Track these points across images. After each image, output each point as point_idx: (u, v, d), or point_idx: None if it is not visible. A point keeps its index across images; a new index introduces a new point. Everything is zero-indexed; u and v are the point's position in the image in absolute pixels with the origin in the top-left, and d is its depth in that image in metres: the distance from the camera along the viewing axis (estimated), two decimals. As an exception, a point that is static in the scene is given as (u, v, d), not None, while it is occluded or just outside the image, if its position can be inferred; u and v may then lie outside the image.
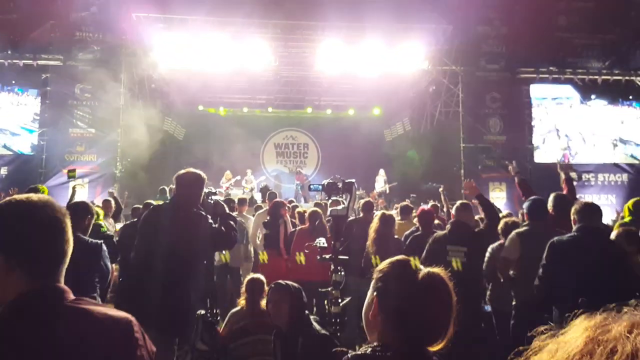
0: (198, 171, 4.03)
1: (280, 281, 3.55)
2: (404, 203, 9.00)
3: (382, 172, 17.14)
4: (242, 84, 18.59)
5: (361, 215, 6.71)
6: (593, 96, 15.88)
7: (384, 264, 1.67)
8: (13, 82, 14.60)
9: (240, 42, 15.29)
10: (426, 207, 6.50)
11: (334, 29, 15.33)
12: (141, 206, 7.75)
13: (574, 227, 3.94)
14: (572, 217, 4.00)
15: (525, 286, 4.12)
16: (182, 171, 3.99)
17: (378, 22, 14.68)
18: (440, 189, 9.01)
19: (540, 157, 15.68)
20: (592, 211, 3.99)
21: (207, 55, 15.23)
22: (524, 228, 4.69)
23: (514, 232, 4.67)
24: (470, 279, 4.55)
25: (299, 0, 14.63)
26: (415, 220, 6.43)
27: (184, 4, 14.00)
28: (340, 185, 4.28)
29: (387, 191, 16.71)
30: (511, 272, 4.60)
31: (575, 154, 15.78)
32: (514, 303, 4.59)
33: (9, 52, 14.36)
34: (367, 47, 15.24)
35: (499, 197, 14.86)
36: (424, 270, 1.59)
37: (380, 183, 16.91)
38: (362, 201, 7.10)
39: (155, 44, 15.16)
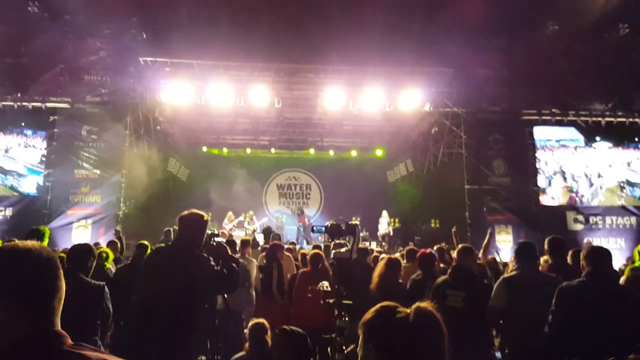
0: (201, 212, 4.00)
1: (285, 327, 3.47)
2: (409, 247, 8.92)
3: (385, 213, 17.05)
4: (246, 126, 18.81)
5: (355, 256, 6.64)
6: (598, 138, 15.91)
7: (369, 315, 1.62)
8: (22, 124, 14.81)
9: (244, 85, 15.56)
10: (428, 250, 6.42)
11: (336, 71, 15.62)
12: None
13: (584, 272, 3.87)
14: (581, 262, 3.94)
15: (519, 334, 4.01)
16: (185, 212, 3.96)
17: (379, 65, 14.95)
18: (453, 230, 8.94)
19: (546, 200, 15.62)
20: (601, 256, 3.92)
21: (212, 98, 15.48)
22: (512, 273, 4.61)
23: (501, 278, 4.58)
24: (471, 325, 4.41)
25: (301, 44, 14.92)
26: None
27: (190, 49, 14.30)
28: (343, 227, 4.23)
29: (391, 233, 16.59)
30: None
31: (582, 196, 15.70)
32: (506, 351, 4.45)
33: (19, 95, 14.62)
34: (369, 89, 15.46)
35: (505, 239, 14.72)
36: (412, 307, 1.56)
37: (384, 225, 16.80)
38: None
39: (161, 87, 15.44)
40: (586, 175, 15.84)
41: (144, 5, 14.33)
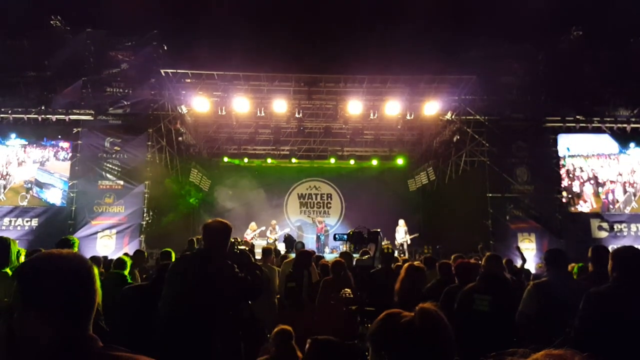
0: (225, 221, 4.02)
1: (320, 337, 3.43)
2: (428, 255, 8.83)
3: (401, 222, 16.84)
4: (266, 136, 18.91)
5: (379, 266, 6.56)
6: (632, 145, 15.64)
7: (374, 325, 1.62)
8: (46, 137, 15.12)
9: (264, 95, 15.68)
10: (471, 260, 6.26)
11: (356, 80, 15.62)
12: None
13: (611, 277, 3.75)
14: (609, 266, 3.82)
15: (547, 341, 3.89)
16: (209, 221, 4.00)
17: (400, 73, 14.92)
18: (479, 247, 8.82)
19: (578, 207, 15.36)
20: (630, 259, 3.79)
21: (232, 108, 15.61)
22: (543, 279, 4.53)
23: (531, 284, 4.50)
24: (498, 328, 4.33)
25: (321, 54, 14.98)
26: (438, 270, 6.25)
27: (211, 60, 14.48)
28: (365, 234, 4.20)
29: (409, 242, 16.44)
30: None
31: (615, 202, 15.37)
32: None
33: (43, 107, 14.92)
34: (390, 98, 15.41)
35: (528, 247, 14.46)
36: (416, 309, 1.55)
37: (401, 234, 16.62)
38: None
39: (182, 98, 15.64)
40: (619, 182, 15.52)
41: (165, 18, 14.57)
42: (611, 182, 15.55)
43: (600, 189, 15.51)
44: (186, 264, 3.95)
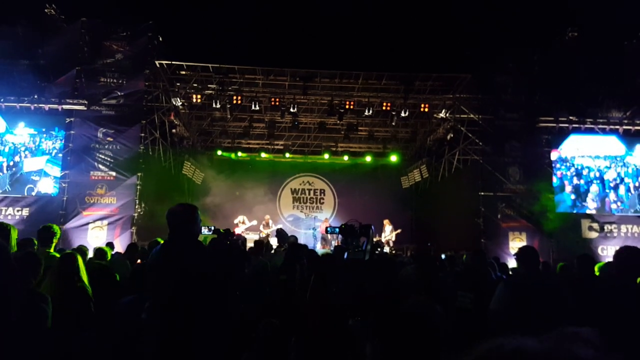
0: (187, 203, 3.82)
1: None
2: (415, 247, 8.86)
3: (386, 221, 16.85)
4: (260, 130, 18.89)
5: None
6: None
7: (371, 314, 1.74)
8: (39, 125, 14.98)
9: (259, 89, 15.64)
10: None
11: (352, 76, 15.63)
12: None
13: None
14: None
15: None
16: (173, 206, 3.74)
17: (396, 70, 14.94)
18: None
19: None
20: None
21: (227, 102, 15.56)
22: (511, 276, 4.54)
23: (501, 282, 4.51)
24: (482, 326, 4.33)
25: (318, 49, 14.96)
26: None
27: (206, 52, 14.43)
28: (357, 228, 4.21)
29: (394, 238, 16.49)
30: None
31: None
32: None
33: (36, 96, 14.79)
34: (385, 95, 15.42)
35: (519, 246, 14.51)
36: (408, 300, 1.64)
37: (387, 232, 16.68)
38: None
39: (177, 90, 15.57)
40: (624, 183, 15.60)
41: (160, 9, 14.48)
42: (617, 182, 15.63)
43: (607, 190, 15.58)
44: (157, 255, 3.70)
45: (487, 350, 0.72)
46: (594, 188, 15.59)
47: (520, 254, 4.51)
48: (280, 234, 14.42)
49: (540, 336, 0.71)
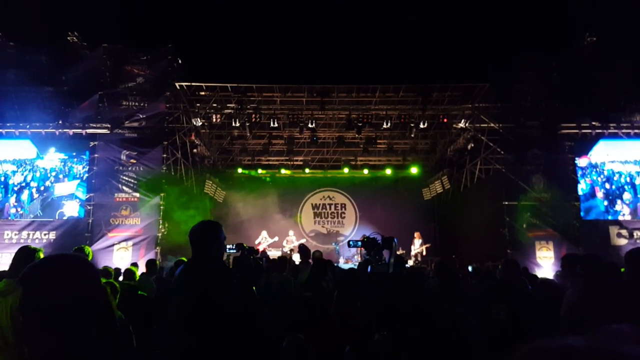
0: (209, 220, 3.78)
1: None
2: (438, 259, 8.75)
3: (416, 234, 16.83)
4: (280, 146, 18.99)
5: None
6: None
7: None
8: (69, 150, 15.30)
9: (277, 106, 15.76)
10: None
11: (369, 90, 15.66)
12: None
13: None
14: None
15: None
16: (196, 224, 3.62)
17: (413, 82, 14.92)
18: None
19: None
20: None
21: (246, 120, 15.73)
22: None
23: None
24: (516, 339, 4.21)
25: (334, 64, 15.05)
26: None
27: (224, 72, 14.65)
28: (379, 241, 4.16)
29: (424, 252, 16.35)
30: None
31: None
32: None
33: (60, 122, 15.14)
34: (403, 106, 15.39)
35: (546, 256, 14.24)
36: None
37: (417, 245, 16.57)
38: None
39: (197, 110, 15.80)
40: None
41: (179, 32, 14.76)
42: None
43: (639, 195, 15.22)
44: (179, 277, 3.54)
45: (534, 347, 0.72)
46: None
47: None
48: (302, 249, 14.38)
49: (585, 334, 0.71)
